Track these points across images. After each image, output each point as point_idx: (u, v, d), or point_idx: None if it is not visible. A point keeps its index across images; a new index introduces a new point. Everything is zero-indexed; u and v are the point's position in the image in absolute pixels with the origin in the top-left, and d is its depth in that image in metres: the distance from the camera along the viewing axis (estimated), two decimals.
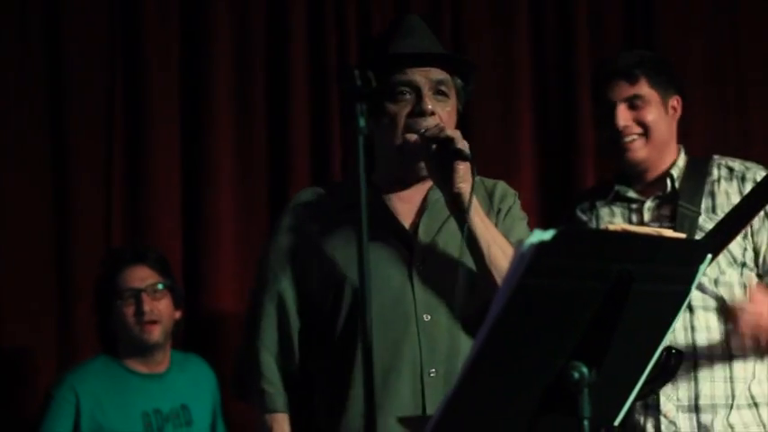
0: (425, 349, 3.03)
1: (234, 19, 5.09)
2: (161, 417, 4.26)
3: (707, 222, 3.63)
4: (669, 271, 2.26)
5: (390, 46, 3.11)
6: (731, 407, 3.61)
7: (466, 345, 3.01)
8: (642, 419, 3.64)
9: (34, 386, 4.70)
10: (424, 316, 3.04)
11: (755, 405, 3.65)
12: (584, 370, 2.20)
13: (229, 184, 5.00)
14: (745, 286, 3.65)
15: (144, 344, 4.28)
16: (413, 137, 3.01)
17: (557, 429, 2.31)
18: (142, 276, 4.31)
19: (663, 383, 3.56)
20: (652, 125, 3.68)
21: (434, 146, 2.94)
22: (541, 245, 2.06)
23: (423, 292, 3.05)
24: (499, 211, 3.19)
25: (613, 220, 3.79)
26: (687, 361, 3.59)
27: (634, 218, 3.76)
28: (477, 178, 2.99)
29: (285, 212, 3.25)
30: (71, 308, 4.81)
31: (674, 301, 2.33)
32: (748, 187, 3.65)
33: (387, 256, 3.08)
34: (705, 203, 3.69)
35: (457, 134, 2.94)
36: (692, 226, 3.61)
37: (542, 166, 5.26)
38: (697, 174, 3.73)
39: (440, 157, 2.93)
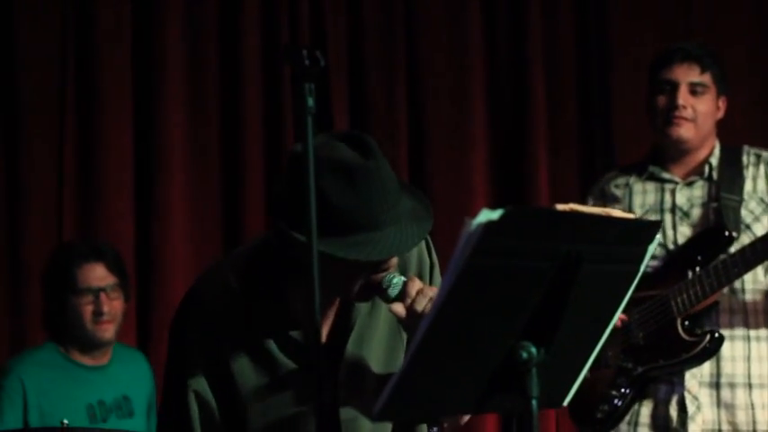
0: None
1: (186, 1, 5.08)
2: (105, 408, 4.26)
3: (744, 211, 3.85)
4: (618, 251, 2.26)
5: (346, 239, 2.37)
6: (749, 386, 3.83)
7: None
8: (668, 395, 3.85)
9: None
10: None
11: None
12: (533, 350, 2.20)
13: (182, 165, 5.00)
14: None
15: (98, 341, 4.27)
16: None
17: (507, 408, 2.33)
18: (100, 275, 4.26)
19: (698, 364, 3.79)
20: (702, 116, 3.89)
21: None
22: (489, 224, 2.05)
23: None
24: (432, 266, 2.68)
25: (645, 197, 3.97)
26: None
27: (667, 197, 3.95)
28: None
29: (189, 321, 2.52)
30: (22, 290, 4.81)
31: (623, 280, 2.33)
32: None
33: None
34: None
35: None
36: (736, 215, 3.83)
37: (494, 148, 5.28)
38: (732, 162, 3.92)
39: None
